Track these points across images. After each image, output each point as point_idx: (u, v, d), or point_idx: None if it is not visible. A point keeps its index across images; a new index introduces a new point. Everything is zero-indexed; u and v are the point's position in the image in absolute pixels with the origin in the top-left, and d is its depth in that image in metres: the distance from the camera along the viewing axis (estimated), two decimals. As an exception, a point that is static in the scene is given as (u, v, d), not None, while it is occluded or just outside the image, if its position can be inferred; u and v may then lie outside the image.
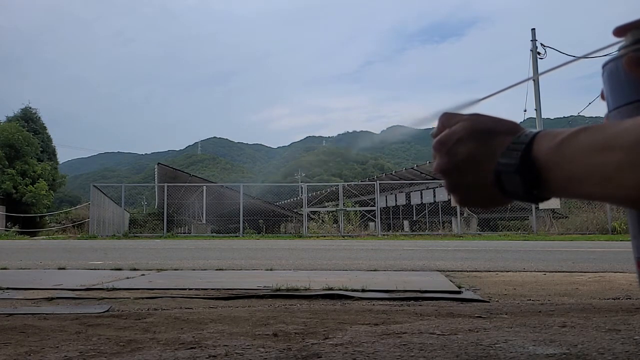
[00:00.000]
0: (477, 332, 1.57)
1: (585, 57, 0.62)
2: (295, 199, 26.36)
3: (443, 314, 1.98)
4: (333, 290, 2.78)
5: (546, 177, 0.44)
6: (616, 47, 0.54)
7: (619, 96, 0.53)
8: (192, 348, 1.36)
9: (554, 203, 14.42)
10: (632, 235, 0.56)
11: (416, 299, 2.60)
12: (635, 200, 0.39)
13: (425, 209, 21.58)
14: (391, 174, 24.92)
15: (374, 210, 17.49)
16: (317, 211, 19.02)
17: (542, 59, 18.76)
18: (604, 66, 0.55)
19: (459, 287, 2.99)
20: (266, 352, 1.30)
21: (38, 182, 31.16)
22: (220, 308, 2.27)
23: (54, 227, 29.64)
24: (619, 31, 0.52)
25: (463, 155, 0.50)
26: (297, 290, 2.77)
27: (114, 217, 21.54)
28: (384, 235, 16.60)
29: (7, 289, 2.83)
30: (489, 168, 0.48)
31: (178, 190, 20.31)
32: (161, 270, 4.07)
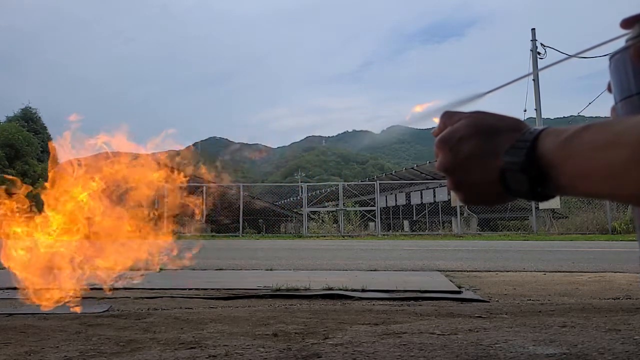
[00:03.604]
0: (477, 332, 1.57)
1: (577, 55, 0.62)
2: (295, 198, 26.36)
3: (443, 314, 1.98)
4: (333, 290, 2.78)
5: (551, 175, 0.44)
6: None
7: (626, 87, 0.53)
8: (192, 348, 1.35)
9: (554, 203, 14.39)
10: (637, 227, 0.56)
11: (416, 299, 2.61)
12: None
13: (425, 209, 21.55)
14: (391, 174, 24.88)
15: (374, 210, 17.47)
16: (317, 211, 19.00)
17: (542, 59, 18.71)
18: (611, 58, 0.55)
19: (459, 287, 2.99)
20: (266, 352, 1.30)
21: (38, 183, 31.16)
22: (220, 308, 2.27)
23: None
24: (627, 23, 0.52)
25: (466, 152, 0.50)
26: (297, 290, 2.77)
27: (113, 217, 21.48)
28: (384, 235, 16.58)
29: (7, 289, 2.82)
30: (492, 165, 0.48)
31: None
32: (161, 270, 4.06)
